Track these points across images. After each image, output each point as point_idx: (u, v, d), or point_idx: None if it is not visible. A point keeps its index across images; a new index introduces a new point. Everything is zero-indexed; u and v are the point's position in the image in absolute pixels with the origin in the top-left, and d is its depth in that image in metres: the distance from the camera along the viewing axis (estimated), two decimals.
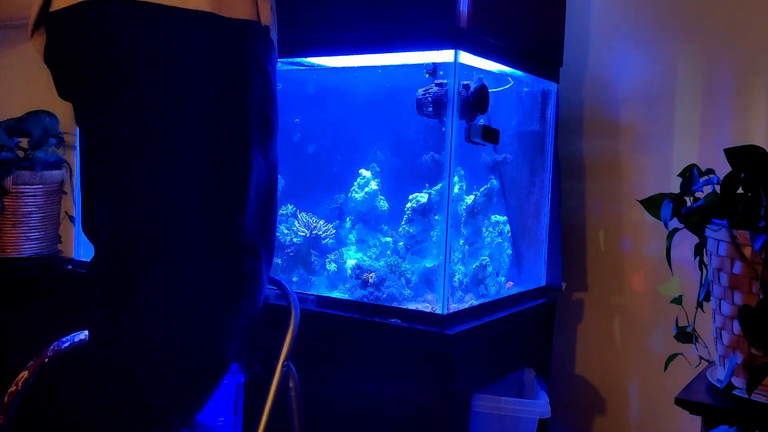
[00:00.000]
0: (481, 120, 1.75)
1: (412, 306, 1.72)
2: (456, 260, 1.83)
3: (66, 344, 1.50)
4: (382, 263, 1.81)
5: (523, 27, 1.91)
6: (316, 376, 1.67)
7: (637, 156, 2.11)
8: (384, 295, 1.74)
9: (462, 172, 1.90)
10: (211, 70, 1.10)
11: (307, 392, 1.53)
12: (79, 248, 2.07)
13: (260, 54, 1.17)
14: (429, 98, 1.69)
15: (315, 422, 1.61)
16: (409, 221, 1.86)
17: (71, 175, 2.24)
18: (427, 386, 1.61)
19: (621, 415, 2.16)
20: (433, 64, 1.71)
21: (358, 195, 1.99)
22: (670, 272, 1.42)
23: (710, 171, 1.32)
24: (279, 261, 1.96)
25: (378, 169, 2.01)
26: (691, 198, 1.31)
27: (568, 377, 2.22)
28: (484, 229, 1.99)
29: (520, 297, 1.99)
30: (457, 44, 1.64)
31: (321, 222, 1.97)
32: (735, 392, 1.21)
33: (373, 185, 1.98)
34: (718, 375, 1.27)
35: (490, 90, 1.71)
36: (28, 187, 1.99)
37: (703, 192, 1.29)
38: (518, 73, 1.96)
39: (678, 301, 1.39)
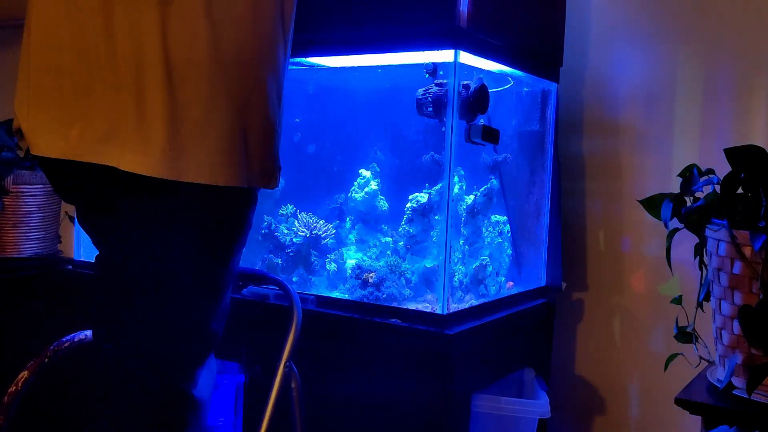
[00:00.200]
0: (481, 120, 1.75)
1: (412, 306, 1.72)
2: (456, 260, 1.83)
3: (66, 344, 1.50)
4: (382, 263, 1.81)
5: (523, 27, 1.91)
6: (315, 376, 1.67)
7: (637, 156, 2.11)
8: (384, 295, 1.74)
9: (462, 172, 1.90)
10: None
11: (307, 392, 1.53)
12: (79, 248, 2.07)
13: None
14: (429, 98, 1.69)
15: (315, 422, 1.61)
16: (409, 221, 1.86)
17: None
18: (427, 386, 1.60)
19: (621, 415, 2.16)
20: (433, 64, 1.71)
21: (358, 195, 1.99)
22: (670, 272, 1.42)
23: (710, 171, 1.32)
24: (279, 261, 1.96)
25: (378, 169, 2.01)
26: (691, 198, 1.31)
27: (568, 377, 2.22)
28: (484, 229, 1.99)
29: (520, 297, 1.99)
30: (457, 44, 1.64)
31: (321, 222, 1.97)
32: (735, 392, 1.21)
33: (373, 185, 1.98)
34: (718, 375, 1.27)
35: (490, 90, 1.71)
36: (28, 186, 1.99)
37: (703, 192, 1.29)
38: (518, 73, 1.96)
39: (678, 301, 1.39)
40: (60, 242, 2.26)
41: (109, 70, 1.04)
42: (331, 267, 1.92)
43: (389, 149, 2.04)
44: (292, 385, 1.49)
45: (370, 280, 1.76)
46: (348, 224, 2.04)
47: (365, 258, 1.88)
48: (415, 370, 1.62)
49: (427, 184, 1.85)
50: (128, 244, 1.09)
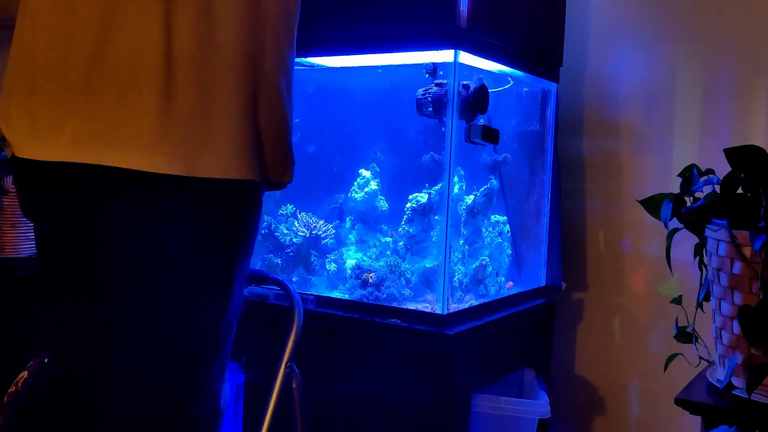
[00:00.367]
0: (481, 120, 1.75)
1: (412, 306, 1.72)
2: (456, 260, 1.83)
3: None
4: (382, 263, 1.81)
5: (523, 27, 1.91)
6: (315, 376, 1.67)
7: (637, 156, 2.11)
8: (384, 295, 1.74)
9: (462, 172, 1.90)
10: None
11: (307, 392, 1.53)
12: None
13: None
14: (429, 98, 1.69)
15: (315, 422, 1.61)
16: (409, 221, 1.86)
17: None
18: (427, 386, 1.60)
19: (621, 415, 2.16)
20: (433, 64, 1.71)
21: (358, 195, 1.99)
22: (670, 272, 1.42)
23: (710, 171, 1.32)
24: (279, 261, 1.96)
25: (378, 169, 2.01)
26: (691, 198, 1.31)
27: (568, 377, 2.22)
28: (484, 229, 1.99)
29: (520, 297, 1.99)
30: (457, 44, 1.64)
31: (321, 222, 1.97)
32: (735, 392, 1.21)
33: (373, 185, 1.98)
34: (718, 375, 1.27)
35: (490, 90, 1.71)
36: None
37: (703, 192, 1.29)
38: (518, 73, 1.96)
39: (678, 301, 1.39)
40: None
41: (110, 68, 1.03)
42: (331, 267, 1.92)
43: (389, 149, 2.04)
44: (293, 386, 1.48)
45: (370, 280, 1.76)
46: (348, 224, 2.04)
47: (365, 258, 1.88)
48: (415, 370, 1.62)
49: (427, 184, 1.85)
50: (123, 243, 1.06)
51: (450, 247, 1.70)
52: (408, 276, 1.80)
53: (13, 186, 1.79)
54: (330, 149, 2.12)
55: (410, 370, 1.63)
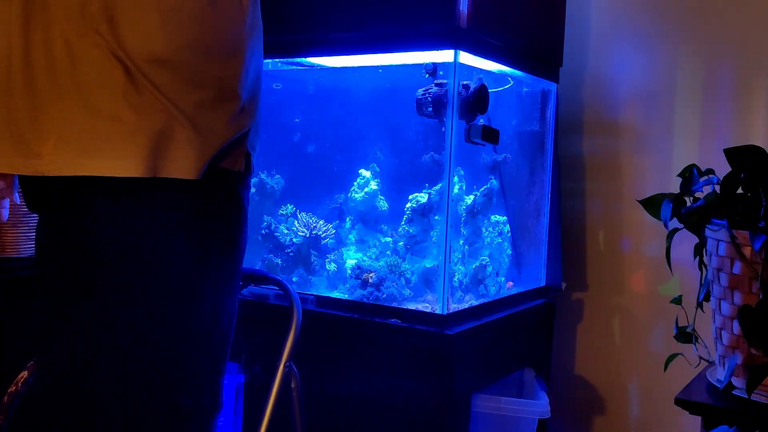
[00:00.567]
0: (481, 120, 1.75)
1: (412, 306, 1.72)
2: (456, 260, 1.83)
3: None
4: (381, 263, 1.81)
5: (523, 27, 1.91)
6: (315, 376, 1.67)
7: (637, 156, 2.11)
8: (384, 295, 1.74)
9: (462, 172, 1.90)
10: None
11: (307, 392, 1.53)
12: None
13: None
14: (429, 98, 1.69)
15: (315, 422, 1.61)
16: (409, 221, 1.86)
17: None
18: (427, 386, 1.60)
19: (621, 415, 2.16)
20: (433, 64, 1.71)
21: (358, 195, 1.99)
22: (670, 272, 1.42)
23: (710, 171, 1.32)
24: (279, 261, 1.96)
25: (378, 169, 2.01)
26: (691, 198, 1.31)
27: (568, 377, 2.22)
28: (483, 229, 1.99)
29: (520, 297, 1.99)
30: (457, 44, 1.64)
31: (321, 222, 1.97)
32: (735, 392, 1.21)
33: (373, 185, 1.98)
34: (718, 375, 1.27)
35: (490, 90, 1.71)
36: None
37: (703, 192, 1.29)
38: (518, 73, 1.96)
39: (678, 301, 1.39)
40: None
41: (67, 77, 1.03)
42: (331, 267, 1.92)
43: (389, 149, 2.04)
44: (292, 385, 1.49)
45: (370, 280, 1.76)
46: (348, 224, 2.04)
47: (365, 258, 1.88)
48: (415, 370, 1.62)
49: (426, 184, 1.85)
50: (107, 242, 1.07)
51: (450, 247, 1.70)
52: (408, 276, 1.80)
53: (17, 201, 1.80)
54: (330, 149, 2.12)
55: (410, 370, 1.63)
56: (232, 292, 1.21)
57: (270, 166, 2.09)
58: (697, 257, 1.33)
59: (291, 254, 1.96)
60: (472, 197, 1.94)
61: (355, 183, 2.00)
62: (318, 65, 1.98)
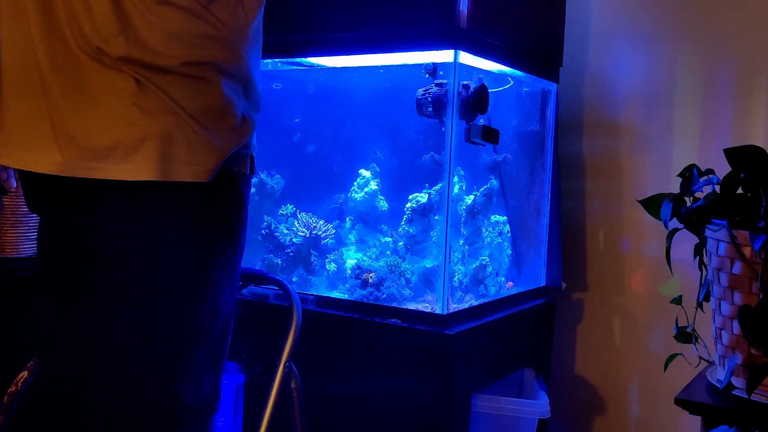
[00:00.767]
0: (481, 120, 1.75)
1: (411, 306, 1.72)
2: (456, 260, 1.83)
3: None
4: (381, 263, 1.81)
5: (523, 27, 1.91)
6: (315, 376, 1.67)
7: (637, 156, 2.11)
8: (384, 295, 1.74)
9: (462, 172, 1.90)
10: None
11: (307, 392, 1.53)
12: None
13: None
14: (429, 98, 1.69)
15: (315, 422, 1.61)
16: (409, 221, 1.86)
17: None
18: (427, 386, 1.60)
19: (621, 415, 2.16)
20: (433, 64, 1.71)
21: (358, 195, 1.99)
22: (670, 272, 1.41)
23: (710, 171, 1.32)
24: (279, 261, 1.96)
25: (378, 169, 2.01)
26: (691, 198, 1.31)
27: (568, 377, 2.22)
28: (483, 229, 1.99)
29: (520, 297, 1.99)
30: (457, 44, 1.64)
31: (321, 222, 1.97)
32: (735, 392, 1.21)
33: (373, 185, 1.98)
34: (718, 375, 1.27)
35: (490, 90, 1.71)
36: None
37: (703, 192, 1.29)
38: (518, 73, 1.96)
39: (678, 301, 1.39)
40: None
41: (79, 83, 1.05)
42: (331, 267, 1.92)
43: (389, 149, 2.04)
44: (292, 385, 1.49)
45: (370, 280, 1.76)
46: (348, 224, 2.04)
47: (365, 258, 1.88)
48: (415, 370, 1.62)
49: (426, 184, 1.85)
50: (105, 241, 1.08)
51: (450, 247, 1.70)
52: (408, 276, 1.80)
53: (13, 186, 1.80)
54: (330, 149, 2.12)
55: (410, 370, 1.63)
56: (232, 291, 1.21)
57: (270, 166, 2.09)
58: (697, 257, 1.33)
59: (291, 254, 1.96)
60: (472, 197, 1.94)
61: (355, 183, 2.00)
62: (318, 65, 1.98)
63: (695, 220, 1.27)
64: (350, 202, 2.01)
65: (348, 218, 2.04)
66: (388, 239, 1.92)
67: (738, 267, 1.18)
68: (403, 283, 1.79)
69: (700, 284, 1.33)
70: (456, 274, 1.82)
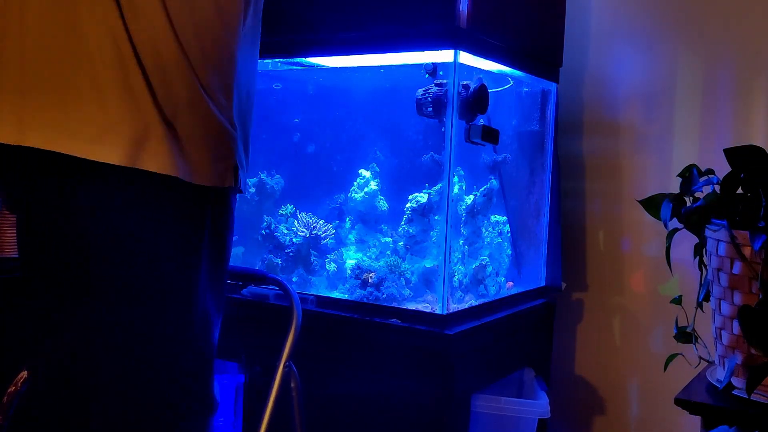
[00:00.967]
0: (481, 120, 1.75)
1: (411, 306, 1.72)
2: (456, 260, 1.83)
3: None
4: (381, 263, 1.81)
5: (522, 27, 1.91)
6: (315, 376, 1.67)
7: (637, 156, 2.11)
8: (384, 295, 1.74)
9: (462, 172, 1.90)
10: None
11: (307, 392, 1.53)
12: None
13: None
14: (429, 98, 1.69)
15: (315, 422, 1.61)
16: (409, 221, 1.86)
17: None
18: (427, 386, 1.60)
19: (621, 415, 2.16)
20: (433, 64, 1.71)
21: (358, 195, 1.99)
22: (669, 272, 1.42)
23: (710, 171, 1.32)
24: (279, 261, 1.96)
25: (378, 169, 2.01)
26: (691, 198, 1.31)
27: (568, 377, 2.22)
28: (483, 229, 1.99)
29: (520, 297, 1.99)
30: (456, 44, 1.64)
31: (321, 222, 1.97)
32: (735, 392, 1.21)
33: (373, 185, 1.98)
34: (718, 375, 1.27)
35: (489, 90, 1.71)
36: None
37: (702, 192, 1.29)
38: (518, 73, 1.96)
39: (678, 301, 1.39)
40: None
41: (76, 60, 1.04)
42: (331, 267, 1.92)
43: (389, 149, 2.04)
44: (292, 385, 1.49)
45: (370, 280, 1.76)
46: (348, 224, 2.04)
47: (365, 258, 1.88)
48: (415, 370, 1.62)
49: (426, 184, 1.85)
50: (91, 236, 1.07)
51: (450, 247, 1.70)
52: (408, 276, 1.80)
53: None
54: (330, 149, 2.12)
55: (410, 370, 1.63)
56: (219, 294, 1.21)
57: (270, 166, 2.09)
58: (697, 257, 1.33)
59: (291, 254, 1.96)
60: (472, 197, 1.94)
61: (355, 183, 2.01)
62: (318, 65, 1.98)
63: (695, 220, 1.27)
64: (350, 202, 2.01)
65: (348, 218, 2.04)
66: (388, 239, 1.92)
67: (738, 267, 1.18)
68: (403, 283, 1.79)
69: (700, 284, 1.33)
70: (456, 274, 1.82)
